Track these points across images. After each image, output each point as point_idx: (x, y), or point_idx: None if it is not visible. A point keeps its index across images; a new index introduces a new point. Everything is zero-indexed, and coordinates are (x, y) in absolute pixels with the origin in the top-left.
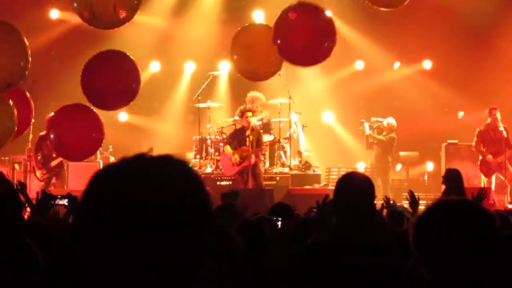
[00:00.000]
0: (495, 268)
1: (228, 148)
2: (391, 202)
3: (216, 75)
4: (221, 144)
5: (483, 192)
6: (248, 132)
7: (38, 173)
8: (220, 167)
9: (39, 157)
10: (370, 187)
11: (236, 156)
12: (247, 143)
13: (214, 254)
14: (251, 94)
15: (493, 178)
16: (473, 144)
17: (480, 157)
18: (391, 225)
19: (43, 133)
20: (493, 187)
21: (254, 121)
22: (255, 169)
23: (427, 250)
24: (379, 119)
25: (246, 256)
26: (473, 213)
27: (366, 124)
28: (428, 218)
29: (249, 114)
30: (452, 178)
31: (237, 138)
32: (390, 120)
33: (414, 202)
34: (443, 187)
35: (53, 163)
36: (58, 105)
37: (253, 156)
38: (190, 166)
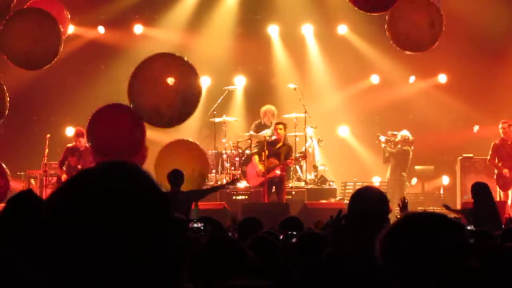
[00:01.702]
0: (464, 279)
1: (256, 158)
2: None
3: (231, 89)
4: (237, 158)
5: None
6: (279, 145)
7: (63, 177)
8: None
9: (64, 168)
10: (383, 201)
11: (261, 167)
12: (278, 156)
13: (227, 268)
14: (264, 108)
15: (510, 192)
16: (488, 157)
17: (496, 171)
18: None
19: (70, 144)
20: (509, 201)
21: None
22: (281, 183)
23: (395, 263)
24: (395, 132)
25: (259, 270)
26: (440, 224)
27: (382, 138)
28: (395, 232)
29: (280, 127)
30: (481, 191)
31: (267, 149)
32: (404, 133)
33: (404, 207)
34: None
35: None
36: (73, 119)
37: (278, 169)
38: (139, 169)
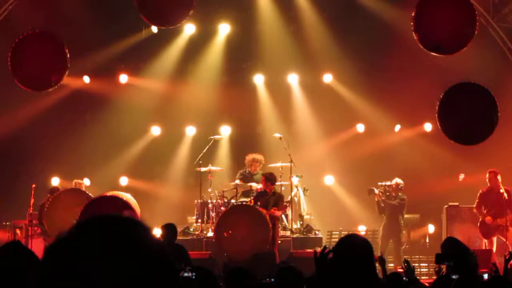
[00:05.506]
0: None
1: None
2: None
3: (217, 139)
4: (222, 208)
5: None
6: (268, 195)
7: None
8: None
9: (38, 231)
10: (369, 250)
11: None
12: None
13: None
14: (250, 156)
15: (495, 239)
16: (475, 205)
17: (480, 219)
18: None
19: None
20: (494, 248)
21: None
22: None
23: None
24: (387, 183)
25: None
26: None
27: (376, 190)
28: None
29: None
30: (452, 247)
31: (259, 199)
32: (398, 180)
33: (409, 270)
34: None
35: None
36: (58, 170)
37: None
38: (139, 227)
